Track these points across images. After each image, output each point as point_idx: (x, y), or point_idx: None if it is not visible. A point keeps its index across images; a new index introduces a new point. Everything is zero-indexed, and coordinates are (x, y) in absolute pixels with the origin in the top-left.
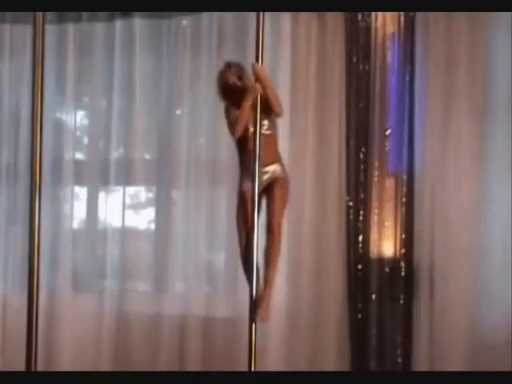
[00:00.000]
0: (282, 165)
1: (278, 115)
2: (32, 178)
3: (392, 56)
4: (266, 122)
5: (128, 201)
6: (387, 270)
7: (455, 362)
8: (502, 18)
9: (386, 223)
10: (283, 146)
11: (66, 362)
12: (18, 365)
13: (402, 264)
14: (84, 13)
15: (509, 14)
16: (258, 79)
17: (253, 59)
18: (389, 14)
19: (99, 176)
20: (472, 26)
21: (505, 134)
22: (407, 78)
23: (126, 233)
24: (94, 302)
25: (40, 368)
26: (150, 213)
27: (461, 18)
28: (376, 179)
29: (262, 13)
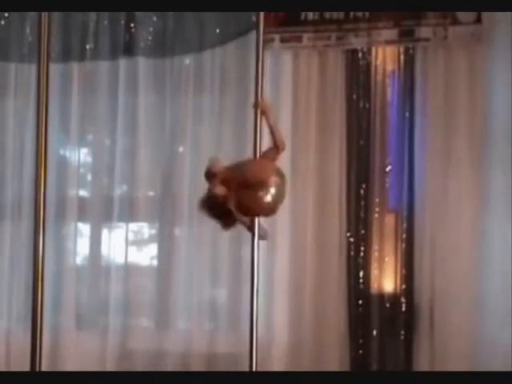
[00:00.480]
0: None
1: (281, 149)
2: (36, 215)
3: (392, 93)
4: None
5: (131, 237)
6: (388, 305)
7: None
8: (501, 54)
9: (387, 259)
10: None
11: None
12: None
13: (403, 300)
14: (88, 51)
15: (508, 49)
16: (263, 113)
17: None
18: (389, 52)
19: (102, 212)
20: (471, 64)
21: (505, 170)
22: (407, 114)
23: (128, 269)
24: (97, 339)
25: None
26: (152, 249)
27: (460, 56)
28: (376, 215)
29: (261, 50)
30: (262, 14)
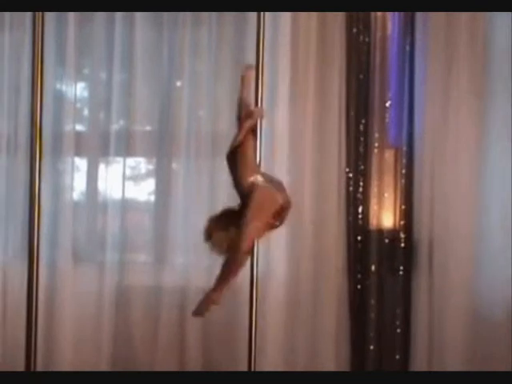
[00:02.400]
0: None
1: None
2: (32, 150)
3: (392, 27)
4: None
5: (128, 172)
6: (387, 241)
7: (454, 334)
8: None
9: (386, 195)
10: (283, 116)
11: (67, 333)
12: (19, 339)
13: (402, 235)
14: None
15: None
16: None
17: (253, 28)
18: None
19: (99, 147)
20: None
21: (506, 103)
22: (407, 48)
23: (126, 204)
24: (94, 275)
25: (40, 338)
26: (150, 184)
27: None
28: (376, 151)
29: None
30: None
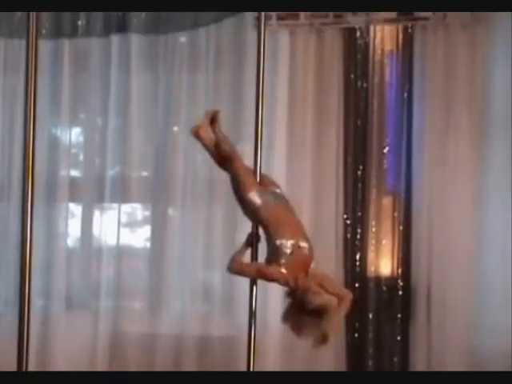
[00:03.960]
0: None
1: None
2: (24, 196)
3: (390, 73)
4: None
5: (123, 218)
6: (384, 288)
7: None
8: (500, 32)
9: (384, 241)
10: (280, 162)
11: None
12: None
13: (400, 283)
14: (79, 27)
15: (508, 30)
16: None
17: (251, 75)
18: (387, 31)
19: (94, 193)
20: (470, 42)
21: (505, 150)
22: (405, 95)
23: (121, 251)
24: (89, 322)
25: None
26: (145, 231)
27: (459, 34)
28: (374, 197)
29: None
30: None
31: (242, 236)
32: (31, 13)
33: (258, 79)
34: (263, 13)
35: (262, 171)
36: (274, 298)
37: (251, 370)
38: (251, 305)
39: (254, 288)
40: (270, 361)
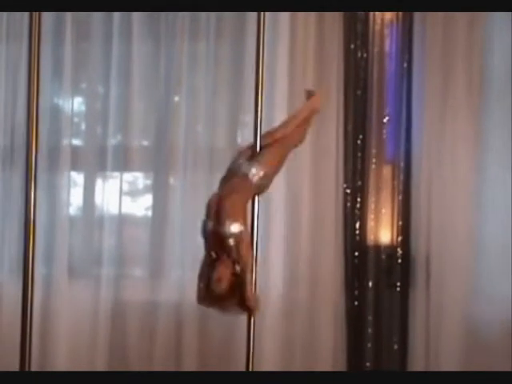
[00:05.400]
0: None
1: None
2: (27, 164)
3: (390, 43)
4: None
5: (125, 187)
6: (384, 257)
7: (451, 350)
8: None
9: (383, 210)
10: None
11: (62, 347)
12: (14, 355)
13: (399, 251)
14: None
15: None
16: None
17: (251, 44)
18: None
19: (96, 162)
20: (470, 13)
21: (503, 118)
22: (405, 65)
23: (122, 219)
24: (90, 289)
25: (35, 354)
26: (147, 199)
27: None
28: (373, 166)
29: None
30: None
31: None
32: None
33: (257, 50)
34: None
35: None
36: (273, 264)
37: (250, 337)
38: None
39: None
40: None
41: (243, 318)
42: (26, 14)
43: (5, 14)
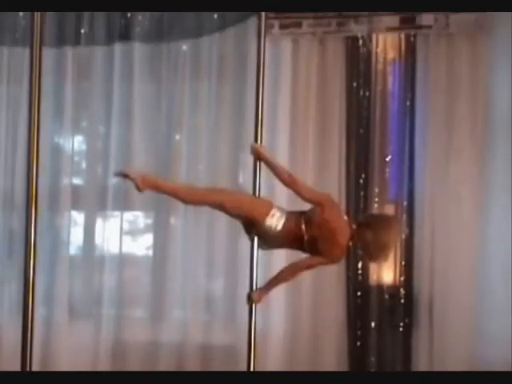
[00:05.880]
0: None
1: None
2: (28, 204)
3: (393, 81)
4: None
5: (126, 227)
6: (387, 297)
7: None
8: (503, 43)
9: None
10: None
11: None
12: None
13: (402, 291)
14: (82, 36)
15: (510, 38)
16: (259, 159)
17: (253, 84)
18: (389, 39)
19: (97, 201)
20: (473, 51)
21: (507, 160)
22: (408, 103)
23: (123, 259)
24: (91, 330)
25: None
26: (147, 239)
27: (462, 44)
28: (376, 206)
29: (262, 38)
30: (262, 14)
31: (245, 244)
32: (35, 22)
33: (257, 87)
34: (263, 15)
35: (263, 178)
36: (275, 304)
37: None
38: (251, 315)
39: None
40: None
41: (245, 357)
42: (27, 54)
43: (5, 52)
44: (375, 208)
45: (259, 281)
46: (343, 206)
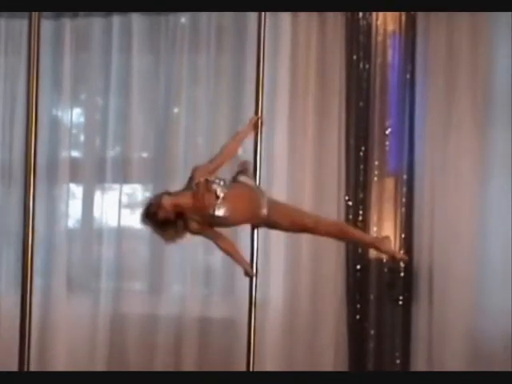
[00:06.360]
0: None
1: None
2: (26, 176)
3: (393, 54)
4: None
5: (124, 199)
6: (386, 270)
7: (453, 364)
8: (503, 16)
9: (386, 223)
10: (282, 143)
11: (60, 362)
12: (12, 367)
13: (402, 265)
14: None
15: (510, 13)
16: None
17: (252, 57)
18: (389, 13)
19: (95, 174)
20: (473, 24)
21: (507, 131)
22: (408, 76)
23: (121, 232)
24: (89, 303)
25: (34, 368)
26: None
27: (462, 17)
28: (376, 179)
29: (263, 12)
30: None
31: None
32: None
33: (258, 61)
34: None
35: (263, 153)
36: (274, 278)
37: (251, 352)
38: (251, 289)
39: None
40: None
41: (244, 330)
42: (25, 26)
43: (3, 24)
44: (375, 181)
45: (259, 254)
46: (343, 179)
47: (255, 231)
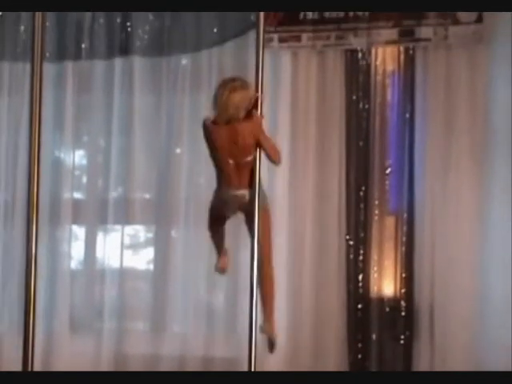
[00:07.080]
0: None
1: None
2: (29, 218)
3: (392, 94)
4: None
5: (126, 240)
6: (387, 309)
7: None
8: (501, 54)
9: (386, 262)
10: (283, 183)
11: None
12: None
13: (403, 303)
14: (83, 50)
15: (509, 49)
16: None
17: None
18: (388, 52)
19: (97, 215)
20: (471, 62)
21: (506, 172)
22: (407, 115)
23: (124, 273)
24: (92, 343)
25: None
26: (148, 252)
27: (461, 55)
28: (376, 218)
29: (261, 50)
30: (262, 14)
31: (245, 257)
32: (36, 36)
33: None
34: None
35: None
36: (275, 317)
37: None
38: (251, 326)
39: (254, 309)
40: None
41: (246, 369)
42: (28, 68)
43: (6, 67)
44: (375, 220)
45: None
46: (343, 218)
47: (255, 270)
